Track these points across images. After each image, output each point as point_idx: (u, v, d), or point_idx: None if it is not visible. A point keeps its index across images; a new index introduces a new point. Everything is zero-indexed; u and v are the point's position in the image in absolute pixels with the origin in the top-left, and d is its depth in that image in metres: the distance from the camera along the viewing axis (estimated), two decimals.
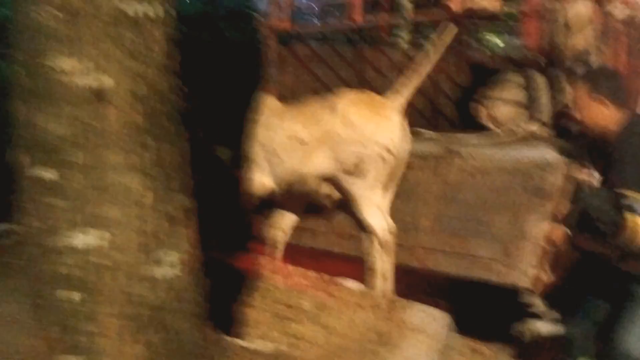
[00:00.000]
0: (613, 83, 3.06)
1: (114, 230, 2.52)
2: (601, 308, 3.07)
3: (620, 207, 2.63)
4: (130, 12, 2.53)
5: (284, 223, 4.54)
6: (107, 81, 2.51)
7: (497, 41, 13.69)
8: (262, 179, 4.38)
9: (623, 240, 2.66)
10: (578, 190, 2.84)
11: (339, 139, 3.91)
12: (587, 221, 2.67)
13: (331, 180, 4.05)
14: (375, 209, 3.92)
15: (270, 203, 4.57)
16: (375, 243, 3.96)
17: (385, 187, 3.99)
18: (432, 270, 3.80)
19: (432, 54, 3.94)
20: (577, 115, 3.18)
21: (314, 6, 8.52)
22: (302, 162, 4.08)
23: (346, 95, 4.07)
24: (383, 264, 3.94)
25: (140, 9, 2.56)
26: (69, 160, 2.50)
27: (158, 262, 2.57)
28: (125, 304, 2.52)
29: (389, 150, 3.86)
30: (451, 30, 3.94)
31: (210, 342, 2.75)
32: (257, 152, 4.39)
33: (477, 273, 3.56)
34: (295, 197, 4.34)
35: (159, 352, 2.54)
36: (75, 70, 2.48)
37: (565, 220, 2.74)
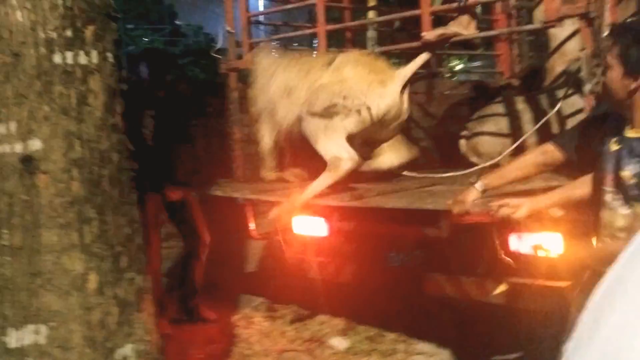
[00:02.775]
0: None
1: (53, 324, 2.11)
2: None
3: None
4: (59, 61, 2.13)
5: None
6: (35, 144, 2.10)
7: (459, 65, 13.62)
8: (265, 134, 4.16)
9: None
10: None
11: (321, 87, 3.66)
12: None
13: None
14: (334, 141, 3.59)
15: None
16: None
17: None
18: None
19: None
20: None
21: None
22: (291, 110, 3.86)
23: (350, 54, 3.92)
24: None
25: (72, 58, 2.16)
26: None
27: (108, 358, 2.13)
28: None
29: (369, 109, 3.58)
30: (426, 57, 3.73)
31: None
32: (261, 103, 4.16)
33: None
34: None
35: None
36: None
37: None
